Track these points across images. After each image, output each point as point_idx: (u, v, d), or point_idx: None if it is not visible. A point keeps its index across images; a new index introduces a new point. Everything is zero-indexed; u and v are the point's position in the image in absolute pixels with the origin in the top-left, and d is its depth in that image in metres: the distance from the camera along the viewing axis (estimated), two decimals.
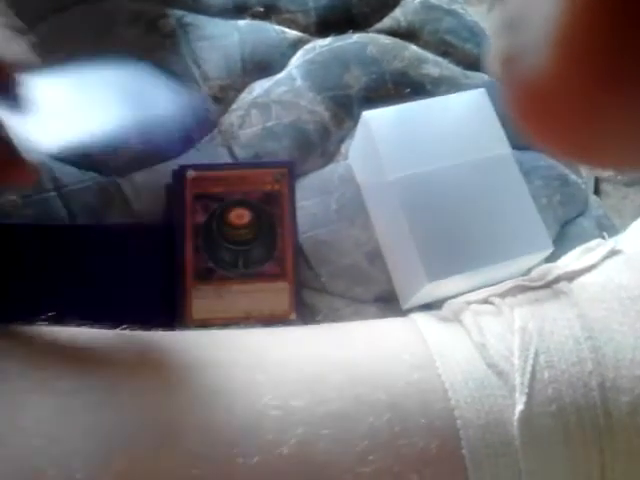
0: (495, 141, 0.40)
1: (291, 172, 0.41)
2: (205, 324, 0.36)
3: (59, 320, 0.31)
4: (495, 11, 0.18)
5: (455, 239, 0.37)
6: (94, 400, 0.28)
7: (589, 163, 0.18)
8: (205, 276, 0.38)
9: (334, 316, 0.40)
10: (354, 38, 0.49)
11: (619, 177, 0.58)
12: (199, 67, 0.46)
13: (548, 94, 0.16)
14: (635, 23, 0.13)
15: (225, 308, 0.37)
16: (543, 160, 0.47)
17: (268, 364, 0.31)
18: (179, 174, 0.40)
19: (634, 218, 0.44)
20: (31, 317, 0.31)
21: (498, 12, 0.18)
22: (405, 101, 0.41)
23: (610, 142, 0.17)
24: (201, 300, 0.37)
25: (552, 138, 0.18)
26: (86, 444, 0.26)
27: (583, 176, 0.50)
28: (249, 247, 0.39)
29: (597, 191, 0.56)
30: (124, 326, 0.32)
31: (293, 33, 0.49)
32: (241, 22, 0.49)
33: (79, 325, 0.32)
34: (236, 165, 0.43)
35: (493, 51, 0.18)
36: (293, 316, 0.37)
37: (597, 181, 0.56)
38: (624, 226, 0.45)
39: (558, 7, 0.14)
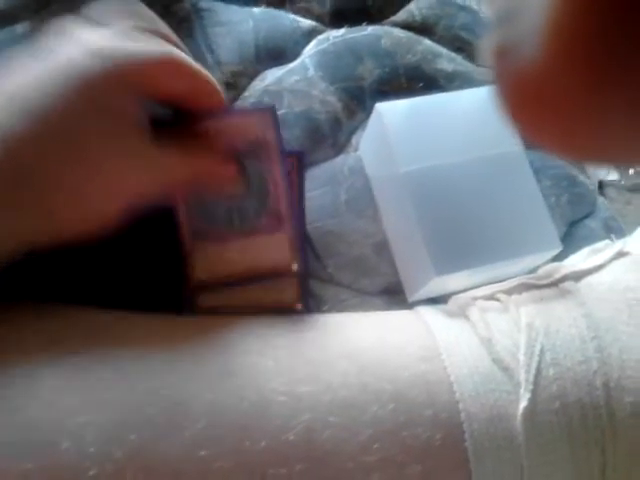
0: (507, 138, 0.40)
1: (300, 161, 0.41)
2: (208, 283, 0.36)
3: (72, 296, 0.32)
4: (490, 4, 0.18)
5: (464, 234, 0.37)
6: (108, 377, 0.28)
7: (581, 157, 0.18)
8: (203, 236, 0.37)
9: (340, 307, 0.40)
10: (368, 30, 0.49)
11: (623, 182, 0.58)
12: (212, 52, 0.46)
13: (541, 87, 0.16)
14: (627, 12, 0.13)
15: (226, 266, 0.36)
16: (552, 160, 0.47)
17: (277, 350, 0.31)
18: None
19: (638, 223, 0.45)
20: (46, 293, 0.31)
21: (492, 5, 0.18)
22: (418, 95, 0.41)
23: (604, 136, 0.17)
24: (202, 260, 0.36)
25: (544, 132, 0.18)
26: (100, 418, 0.26)
27: (591, 178, 0.50)
28: (241, 201, 0.38)
29: (601, 196, 0.56)
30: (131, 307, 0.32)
31: (307, 22, 0.49)
32: (256, 9, 0.49)
33: (89, 302, 0.32)
34: (217, 115, 0.39)
35: (487, 44, 0.18)
36: (300, 306, 0.37)
37: (601, 186, 0.56)
38: (628, 231, 0.46)
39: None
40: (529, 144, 0.41)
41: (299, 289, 0.37)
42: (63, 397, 0.26)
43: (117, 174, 0.30)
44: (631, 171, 0.59)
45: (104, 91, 0.29)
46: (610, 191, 0.58)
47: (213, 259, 0.36)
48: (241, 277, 0.36)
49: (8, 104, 0.27)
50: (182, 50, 0.34)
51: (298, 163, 0.40)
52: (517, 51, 0.16)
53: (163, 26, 0.35)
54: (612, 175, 0.58)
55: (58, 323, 0.30)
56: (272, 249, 0.37)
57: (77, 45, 0.29)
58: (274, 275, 0.36)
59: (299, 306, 0.37)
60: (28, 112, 0.27)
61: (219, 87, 0.35)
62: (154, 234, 0.37)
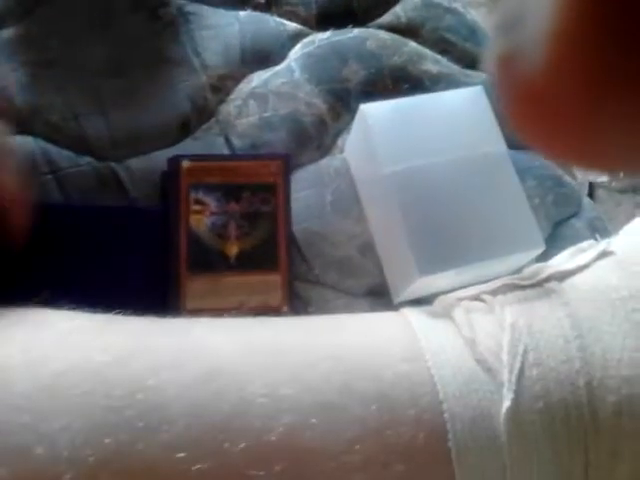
0: (491, 138, 0.40)
1: (287, 165, 0.41)
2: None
3: (52, 301, 0.31)
4: (493, 11, 0.18)
5: (448, 234, 0.37)
6: (83, 382, 0.28)
7: (584, 166, 0.18)
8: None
9: (326, 308, 0.40)
10: (354, 32, 0.49)
11: (613, 184, 0.58)
12: (199, 56, 0.46)
13: (544, 95, 0.16)
14: (630, 20, 0.13)
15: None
16: (537, 160, 0.47)
17: (258, 352, 0.31)
18: (174, 163, 0.40)
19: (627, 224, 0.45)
20: (25, 297, 0.31)
21: (495, 12, 0.18)
22: (403, 97, 0.41)
23: (607, 145, 0.17)
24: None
25: (548, 140, 0.18)
26: (73, 423, 0.26)
27: (577, 178, 0.50)
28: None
29: (592, 197, 0.57)
30: (116, 311, 0.32)
31: (293, 25, 0.49)
32: (242, 13, 0.49)
33: (71, 308, 0.32)
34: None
35: (490, 51, 0.18)
36: (286, 309, 0.37)
37: (592, 187, 0.57)
38: (616, 232, 0.46)
39: (554, 6, 0.14)
40: (514, 144, 0.42)
41: (285, 292, 0.38)
42: (37, 404, 0.26)
43: None
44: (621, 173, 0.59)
45: None
46: (600, 192, 0.58)
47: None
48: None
49: None
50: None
51: (284, 166, 0.41)
52: (519, 59, 0.16)
53: None
54: (602, 177, 0.58)
55: (33, 327, 0.30)
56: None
57: None
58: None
59: (285, 309, 0.37)
60: None
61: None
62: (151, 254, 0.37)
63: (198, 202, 0.39)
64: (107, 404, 0.27)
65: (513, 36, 0.17)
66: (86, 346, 0.30)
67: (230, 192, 0.39)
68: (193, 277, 0.37)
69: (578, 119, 0.16)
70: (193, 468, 0.26)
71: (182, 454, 0.26)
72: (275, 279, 0.38)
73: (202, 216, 0.39)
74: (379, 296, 0.41)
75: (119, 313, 0.32)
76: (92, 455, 0.25)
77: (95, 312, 0.32)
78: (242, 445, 0.27)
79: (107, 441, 0.26)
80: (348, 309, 0.40)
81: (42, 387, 0.27)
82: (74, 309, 0.32)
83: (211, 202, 0.39)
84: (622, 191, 0.58)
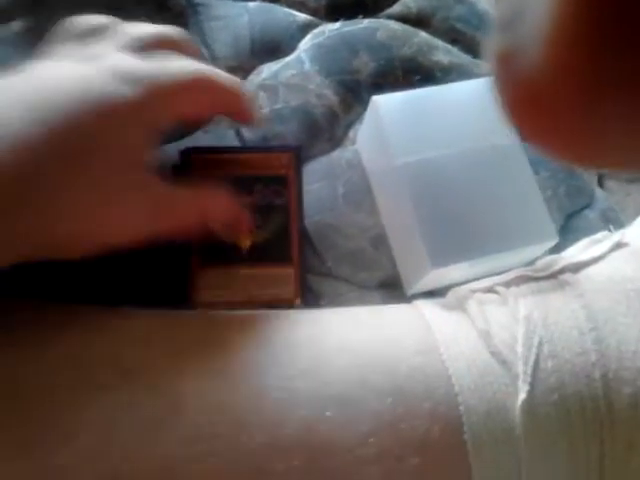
0: (504, 130, 0.40)
1: (298, 156, 0.41)
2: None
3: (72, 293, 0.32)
4: (494, 8, 0.18)
5: (461, 226, 0.37)
6: (105, 375, 0.28)
7: (583, 164, 0.17)
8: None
9: (338, 301, 0.40)
10: (364, 23, 0.49)
11: (623, 174, 0.58)
12: (208, 47, 0.46)
13: (542, 93, 0.16)
14: (625, 22, 0.13)
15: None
16: None
17: (274, 345, 0.31)
18: (185, 155, 0.40)
19: (637, 214, 0.44)
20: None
21: (496, 9, 0.18)
22: (414, 88, 0.41)
23: (605, 143, 0.17)
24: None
25: (545, 138, 0.17)
26: (94, 417, 0.26)
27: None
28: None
29: (600, 188, 0.56)
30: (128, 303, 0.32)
31: (303, 16, 0.49)
32: (251, 4, 0.48)
33: (80, 301, 0.32)
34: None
35: (489, 48, 0.18)
36: (298, 302, 0.37)
37: (600, 178, 0.56)
38: (627, 222, 0.45)
39: (552, 5, 0.14)
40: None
41: (298, 285, 0.38)
42: (59, 396, 0.26)
43: (120, 206, 0.30)
44: None
45: (123, 121, 0.29)
46: (609, 183, 0.57)
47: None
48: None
49: (27, 115, 0.26)
50: (200, 54, 0.35)
51: (295, 158, 0.40)
52: (519, 56, 0.16)
53: (177, 32, 0.35)
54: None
55: (57, 321, 0.30)
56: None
57: (104, 67, 0.29)
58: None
59: (298, 301, 0.37)
60: (42, 125, 0.26)
61: (249, 97, 0.36)
62: (165, 250, 0.37)
63: None
64: (125, 398, 0.27)
65: (512, 34, 0.16)
66: (108, 339, 0.30)
67: (242, 185, 0.38)
68: (205, 270, 0.37)
69: (576, 118, 0.16)
70: (210, 462, 0.26)
71: (199, 447, 0.26)
72: (288, 272, 0.38)
73: None
74: (392, 289, 0.41)
75: (130, 305, 0.32)
76: (112, 450, 0.25)
77: (105, 304, 0.32)
78: (258, 439, 0.27)
79: (126, 435, 0.26)
80: (361, 302, 0.39)
81: (64, 380, 0.27)
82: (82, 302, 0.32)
83: None
84: (631, 181, 0.58)
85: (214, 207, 0.35)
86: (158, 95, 0.30)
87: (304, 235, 0.40)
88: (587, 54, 0.14)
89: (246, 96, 0.36)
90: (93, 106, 0.28)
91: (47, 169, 0.27)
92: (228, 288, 0.37)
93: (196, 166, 0.39)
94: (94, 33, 0.33)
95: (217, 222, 0.35)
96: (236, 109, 0.36)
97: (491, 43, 0.18)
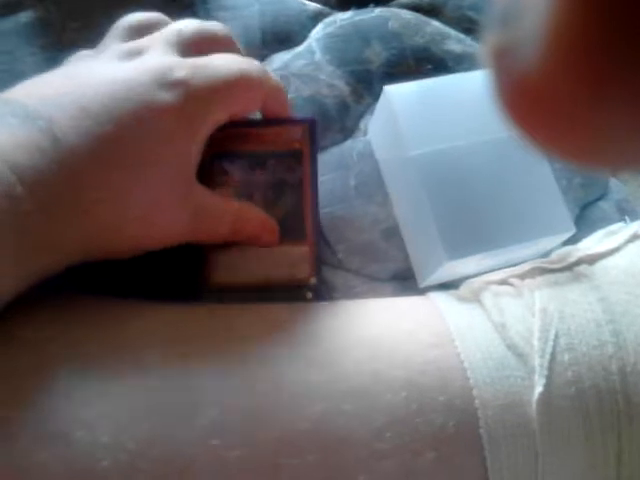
0: None
1: (312, 130, 0.39)
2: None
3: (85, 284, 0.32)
4: (492, 3, 0.18)
5: (475, 218, 0.37)
6: (122, 367, 0.28)
7: (583, 163, 0.17)
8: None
9: (351, 294, 0.39)
10: (375, 12, 0.48)
11: None
12: None
13: (539, 91, 0.15)
14: (630, 19, 0.13)
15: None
16: None
17: (290, 339, 0.31)
18: None
19: None
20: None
21: (494, 4, 0.17)
22: (426, 77, 0.40)
23: (607, 143, 0.16)
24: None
25: (543, 137, 0.17)
26: (112, 409, 0.26)
27: None
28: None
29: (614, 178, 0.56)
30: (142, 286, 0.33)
31: (313, 5, 0.48)
32: None
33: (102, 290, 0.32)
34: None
35: (485, 44, 0.17)
36: (313, 280, 0.36)
37: None
38: None
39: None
40: None
41: (313, 263, 0.37)
42: (75, 390, 0.26)
43: (167, 215, 0.32)
44: None
45: (169, 128, 0.30)
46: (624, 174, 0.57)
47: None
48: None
49: (79, 114, 0.28)
50: (234, 43, 0.37)
51: (309, 131, 0.39)
52: (517, 53, 0.16)
53: (219, 27, 0.36)
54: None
55: (72, 313, 0.30)
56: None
57: (150, 71, 0.30)
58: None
59: (313, 280, 0.36)
60: (93, 128, 0.28)
61: (282, 87, 0.37)
62: None
63: (222, 172, 0.38)
64: (143, 390, 0.27)
65: (510, 28, 0.16)
66: (123, 331, 0.30)
67: (254, 160, 0.38)
68: (219, 249, 0.36)
69: (576, 116, 0.15)
70: (227, 456, 0.26)
71: (216, 441, 0.26)
72: (303, 250, 0.37)
73: (227, 186, 0.38)
74: (403, 281, 0.41)
75: (145, 289, 0.33)
76: (131, 441, 0.25)
77: (119, 288, 0.33)
78: (274, 433, 0.27)
79: (145, 427, 0.26)
80: (373, 294, 0.39)
81: (80, 373, 0.27)
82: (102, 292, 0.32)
83: (235, 171, 0.38)
84: None
85: (248, 222, 0.36)
86: (204, 99, 0.31)
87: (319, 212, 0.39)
88: (592, 48, 0.13)
89: (280, 85, 0.37)
90: (137, 114, 0.29)
91: (103, 179, 0.28)
92: (244, 268, 0.36)
93: (208, 143, 0.38)
94: (141, 30, 0.34)
95: (247, 234, 0.36)
96: (277, 103, 0.37)
97: (488, 38, 0.17)
